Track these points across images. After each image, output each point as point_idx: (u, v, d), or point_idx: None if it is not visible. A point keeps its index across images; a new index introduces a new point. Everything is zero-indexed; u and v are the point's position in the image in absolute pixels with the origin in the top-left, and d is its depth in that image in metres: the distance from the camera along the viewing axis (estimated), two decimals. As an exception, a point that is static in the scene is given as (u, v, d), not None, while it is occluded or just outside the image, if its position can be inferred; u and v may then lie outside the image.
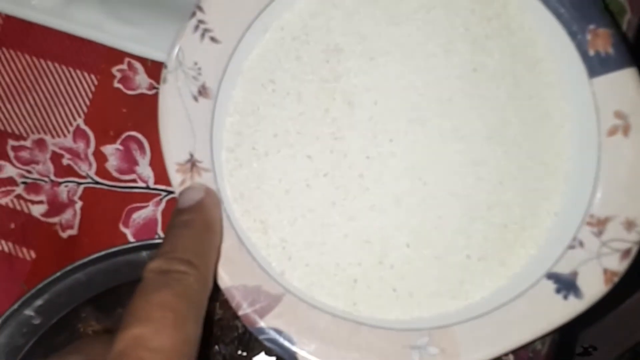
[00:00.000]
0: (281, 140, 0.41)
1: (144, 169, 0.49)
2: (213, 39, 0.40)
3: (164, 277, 0.34)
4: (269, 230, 0.41)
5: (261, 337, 0.39)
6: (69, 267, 0.43)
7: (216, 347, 0.46)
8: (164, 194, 0.48)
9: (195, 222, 0.37)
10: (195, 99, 0.40)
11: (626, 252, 0.38)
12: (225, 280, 0.39)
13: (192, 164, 0.40)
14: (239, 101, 0.42)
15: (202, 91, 0.40)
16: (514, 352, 0.47)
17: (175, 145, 0.40)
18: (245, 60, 0.42)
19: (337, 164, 0.41)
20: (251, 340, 0.46)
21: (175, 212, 0.38)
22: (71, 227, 0.49)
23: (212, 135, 0.40)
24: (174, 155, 0.40)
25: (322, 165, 0.41)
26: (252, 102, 0.42)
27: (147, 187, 0.48)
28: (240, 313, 0.39)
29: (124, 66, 0.49)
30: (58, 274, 0.43)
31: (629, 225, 0.38)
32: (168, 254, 0.35)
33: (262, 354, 0.47)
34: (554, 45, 0.41)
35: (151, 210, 0.48)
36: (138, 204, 0.48)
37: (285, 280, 0.40)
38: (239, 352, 0.46)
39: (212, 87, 0.40)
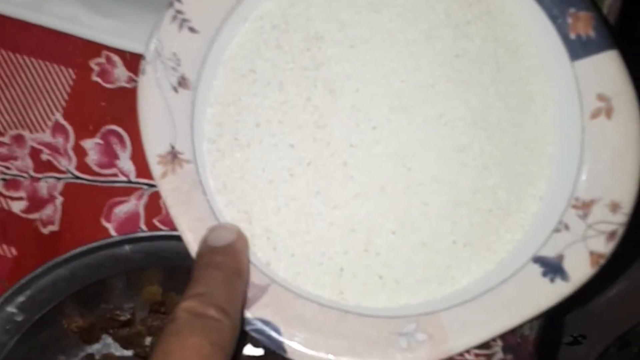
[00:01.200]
0: (263, 130, 0.41)
1: (125, 163, 0.48)
2: (191, 29, 0.40)
3: (199, 321, 0.34)
4: (253, 220, 0.41)
5: (248, 328, 0.38)
6: (51, 263, 0.43)
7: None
8: (145, 187, 0.48)
9: (228, 265, 0.37)
10: (175, 90, 0.39)
11: (612, 234, 0.38)
12: (210, 272, 0.39)
13: (173, 155, 0.39)
14: (220, 91, 0.41)
15: (182, 82, 0.40)
16: (502, 337, 0.47)
17: (155, 136, 0.39)
18: (225, 50, 0.41)
19: (320, 153, 0.41)
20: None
21: (207, 250, 0.38)
22: (52, 223, 0.48)
23: (193, 126, 0.40)
24: (154, 147, 0.39)
25: (305, 154, 0.41)
26: (233, 92, 0.41)
27: (129, 181, 0.48)
28: (225, 305, 0.38)
29: (102, 59, 0.48)
30: (40, 269, 0.43)
31: (614, 207, 0.38)
32: (203, 297, 0.35)
33: (249, 345, 0.47)
34: (535, 29, 0.40)
35: (133, 204, 0.48)
36: (120, 198, 0.48)
37: (270, 270, 0.40)
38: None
39: (192, 77, 0.40)
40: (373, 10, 0.41)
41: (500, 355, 0.47)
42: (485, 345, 0.47)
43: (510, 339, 0.47)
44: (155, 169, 0.39)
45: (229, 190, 0.41)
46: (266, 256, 0.40)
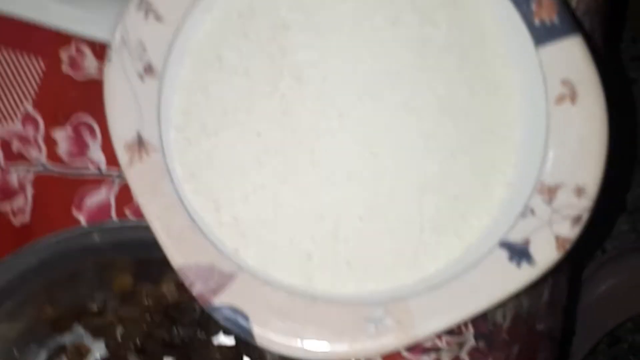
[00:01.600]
0: (230, 118, 0.41)
1: (95, 153, 0.48)
2: (157, 18, 0.40)
3: None
4: (221, 208, 0.41)
5: (216, 315, 0.38)
6: (19, 252, 0.42)
7: (175, 329, 0.46)
8: (116, 177, 0.48)
9: None
10: (141, 78, 0.39)
11: (577, 219, 0.38)
12: (177, 259, 0.39)
13: (139, 142, 0.39)
14: (187, 80, 0.41)
15: (148, 70, 0.40)
16: (474, 324, 0.47)
17: (121, 123, 0.39)
18: (191, 38, 0.41)
19: (288, 140, 0.41)
20: (210, 321, 0.46)
21: None
22: (23, 213, 0.48)
23: (160, 114, 0.40)
24: (120, 134, 0.39)
25: (272, 142, 0.41)
26: (200, 80, 0.41)
27: (99, 171, 0.48)
28: (194, 292, 0.38)
29: (72, 50, 0.48)
30: (8, 258, 0.42)
31: (579, 191, 0.38)
32: None
33: (221, 333, 0.47)
34: (499, 15, 0.41)
35: (104, 195, 0.48)
36: (90, 188, 0.48)
37: (239, 257, 0.40)
38: (198, 334, 0.46)
39: (158, 65, 0.40)
40: (340, -2, 0.42)
41: (472, 342, 0.47)
42: (456, 332, 0.47)
43: (481, 326, 0.47)
44: (122, 155, 0.39)
45: (197, 178, 0.41)
46: (234, 243, 0.40)
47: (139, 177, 0.39)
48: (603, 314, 0.93)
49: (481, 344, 0.47)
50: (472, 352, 0.47)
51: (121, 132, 0.39)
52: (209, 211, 0.40)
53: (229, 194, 0.41)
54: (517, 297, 0.48)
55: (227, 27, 0.41)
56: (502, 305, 0.47)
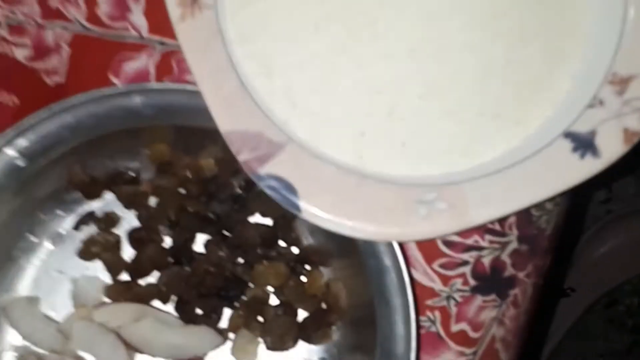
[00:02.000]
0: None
1: (138, 17, 0.45)
2: None
3: None
4: (274, 75, 0.38)
5: (263, 185, 0.37)
6: (56, 107, 0.40)
7: (211, 205, 0.44)
8: (158, 45, 0.45)
9: None
10: None
11: (648, 112, 0.36)
12: (225, 124, 0.37)
13: (193, -4, 0.37)
14: None
15: None
16: (519, 227, 0.45)
17: (174, -26, 0.37)
18: None
19: (350, 7, 0.39)
20: (248, 199, 0.44)
21: None
22: (57, 73, 0.46)
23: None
24: (174, -15, 0.37)
25: (333, 7, 0.39)
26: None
27: (140, 37, 0.45)
28: (240, 159, 0.36)
29: None
30: (44, 113, 0.40)
31: (653, 84, 0.36)
32: None
33: (257, 214, 0.45)
34: None
35: (144, 61, 0.45)
36: (130, 53, 0.45)
37: (288, 128, 0.38)
38: (235, 211, 0.44)
39: None
40: None
41: (515, 244, 0.46)
42: (500, 232, 0.45)
43: (526, 229, 0.46)
44: (174, 10, 0.37)
45: (250, 41, 0.38)
46: (284, 114, 0.38)
47: (189, 33, 0.37)
48: (602, 274, 0.93)
49: (523, 248, 0.46)
50: (514, 255, 0.45)
51: (175, -18, 0.37)
52: (260, 77, 0.38)
53: (283, 60, 0.39)
54: (564, 203, 0.47)
55: None
56: (548, 211, 0.46)
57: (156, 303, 0.45)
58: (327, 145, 0.38)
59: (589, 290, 0.94)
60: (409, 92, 0.39)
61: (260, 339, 0.44)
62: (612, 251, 0.93)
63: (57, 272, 0.46)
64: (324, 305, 0.44)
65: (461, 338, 0.45)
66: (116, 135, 0.42)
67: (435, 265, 0.45)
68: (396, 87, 0.39)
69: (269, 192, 0.37)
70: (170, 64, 0.45)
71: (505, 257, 0.45)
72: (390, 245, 0.40)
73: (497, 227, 0.45)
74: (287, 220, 0.44)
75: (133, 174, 0.45)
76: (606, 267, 0.93)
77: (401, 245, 0.41)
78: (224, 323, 0.45)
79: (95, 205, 0.46)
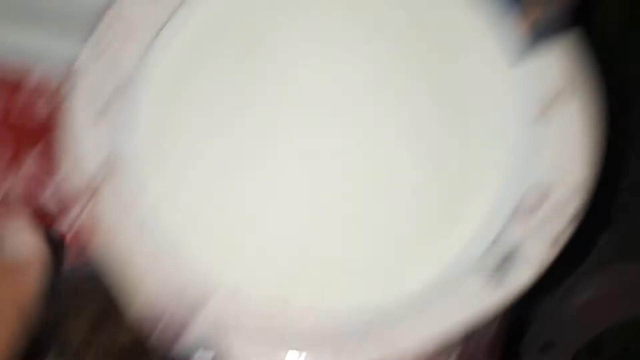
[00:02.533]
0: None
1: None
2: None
3: None
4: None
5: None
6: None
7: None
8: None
9: None
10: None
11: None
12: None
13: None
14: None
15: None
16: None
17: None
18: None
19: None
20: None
21: None
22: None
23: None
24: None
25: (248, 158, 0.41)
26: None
27: None
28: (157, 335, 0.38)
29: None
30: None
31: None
32: None
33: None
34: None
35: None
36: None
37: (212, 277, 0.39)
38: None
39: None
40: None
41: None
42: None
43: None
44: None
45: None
46: (207, 265, 0.40)
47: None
48: (582, 324, 0.93)
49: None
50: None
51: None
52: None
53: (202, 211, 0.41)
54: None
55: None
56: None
57: None
58: (252, 290, 0.39)
59: (570, 343, 0.93)
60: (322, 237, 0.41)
61: None
62: (590, 301, 0.93)
63: None
64: None
65: None
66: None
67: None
68: (314, 232, 0.41)
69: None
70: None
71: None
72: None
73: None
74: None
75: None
76: (585, 317, 0.93)
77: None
78: None
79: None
